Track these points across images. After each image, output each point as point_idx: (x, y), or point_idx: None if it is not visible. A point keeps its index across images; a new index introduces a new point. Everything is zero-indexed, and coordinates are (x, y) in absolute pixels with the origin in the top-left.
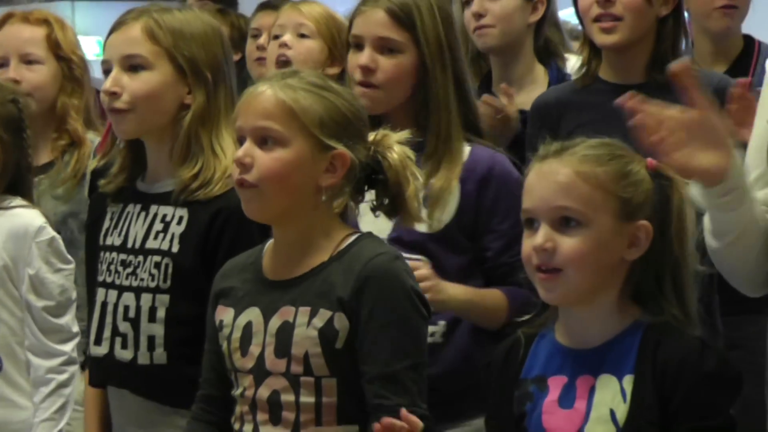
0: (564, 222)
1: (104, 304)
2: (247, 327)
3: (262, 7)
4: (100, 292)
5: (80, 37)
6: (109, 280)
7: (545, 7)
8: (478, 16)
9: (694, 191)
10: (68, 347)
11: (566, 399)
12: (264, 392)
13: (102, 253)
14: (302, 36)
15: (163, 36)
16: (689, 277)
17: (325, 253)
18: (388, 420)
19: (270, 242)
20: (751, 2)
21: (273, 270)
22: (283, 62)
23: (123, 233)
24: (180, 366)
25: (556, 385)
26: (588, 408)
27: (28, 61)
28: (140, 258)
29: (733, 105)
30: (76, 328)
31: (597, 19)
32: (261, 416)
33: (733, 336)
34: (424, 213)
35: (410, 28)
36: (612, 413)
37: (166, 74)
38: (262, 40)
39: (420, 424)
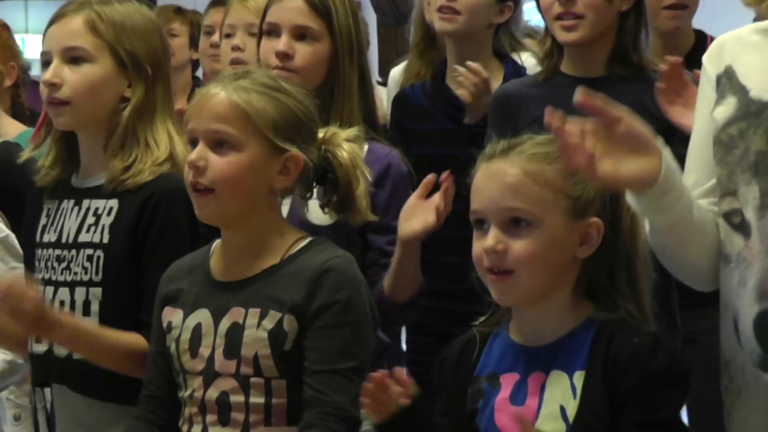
0: (514, 223)
1: None
2: (197, 329)
3: (213, 4)
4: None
5: (33, 36)
6: (46, 276)
7: (512, 12)
8: None
9: (629, 199)
10: None
11: (518, 396)
12: (213, 393)
13: (39, 251)
14: (253, 35)
15: (104, 29)
16: (643, 272)
17: (276, 255)
18: (379, 375)
19: (217, 243)
20: None
21: (222, 271)
22: (238, 65)
23: (58, 229)
24: None
25: (508, 382)
26: (539, 404)
27: None
28: (73, 252)
29: (662, 84)
30: None
31: (559, 17)
32: (210, 417)
33: (689, 330)
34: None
35: (326, 17)
36: (562, 409)
37: (107, 67)
38: (215, 37)
39: (413, 386)
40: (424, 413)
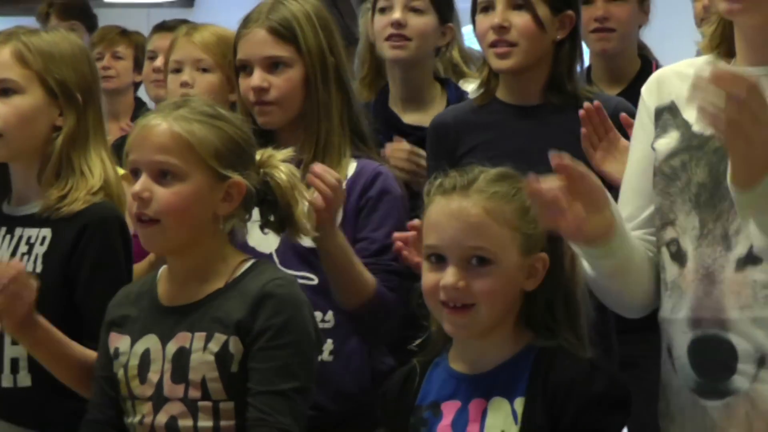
0: (474, 260)
1: None
2: (145, 354)
3: (157, 29)
4: None
5: None
6: None
7: (452, 34)
8: (398, 25)
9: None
10: None
11: (459, 423)
12: (162, 418)
13: None
14: (201, 70)
15: (33, 59)
16: (580, 303)
17: (221, 280)
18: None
19: (164, 269)
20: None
21: (169, 297)
22: None
23: None
24: (45, 388)
25: (449, 410)
26: (481, 431)
27: None
28: None
29: (584, 129)
30: None
31: (493, 45)
32: None
33: (628, 353)
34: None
35: (293, 41)
36: None
37: (37, 98)
38: (159, 62)
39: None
40: None
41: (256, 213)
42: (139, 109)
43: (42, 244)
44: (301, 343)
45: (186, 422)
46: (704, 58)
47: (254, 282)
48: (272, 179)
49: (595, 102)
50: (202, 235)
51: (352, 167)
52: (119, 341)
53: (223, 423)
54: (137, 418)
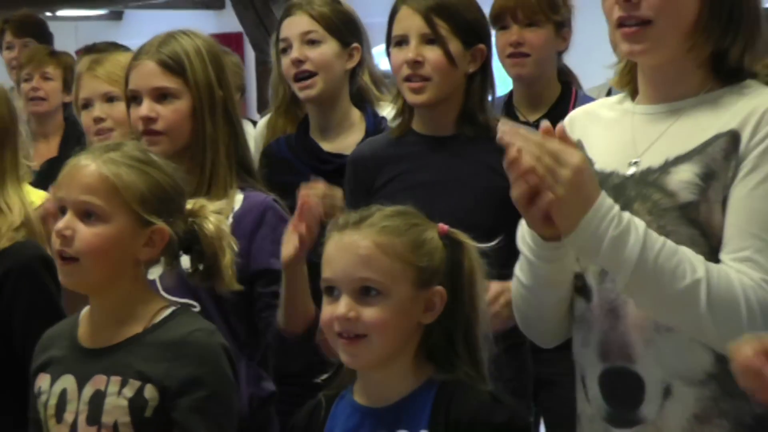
0: (365, 291)
1: None
2: (63, 394)
3: (86, 52)
4: None
5: None
6: None
7: (360, 53)
8: (298, 62)
9: (525, 236)
10: None
11: None
12: None
13: None
14: (110, 100)
15: None
16: (480, 336)
17: (139, 324)
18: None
19: (86, 310)
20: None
21: (89, 338)
22: (103, 134)
23: None
24: None
25: None
26: None
27: None
28: None
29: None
30: None
31: (408, 79)
32: None
33: (548, 372)
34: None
35: (181, 74)
36: None
37: None
38: None
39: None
40: None
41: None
42: (70, 129)
43: None
44: (222, 394)
45: None
46: (617, 98)
47: (173, 331)
48: (200, 229)
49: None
50: (121, 277)
51: (238, 199)
52: (42, 381)
53: None
54: None
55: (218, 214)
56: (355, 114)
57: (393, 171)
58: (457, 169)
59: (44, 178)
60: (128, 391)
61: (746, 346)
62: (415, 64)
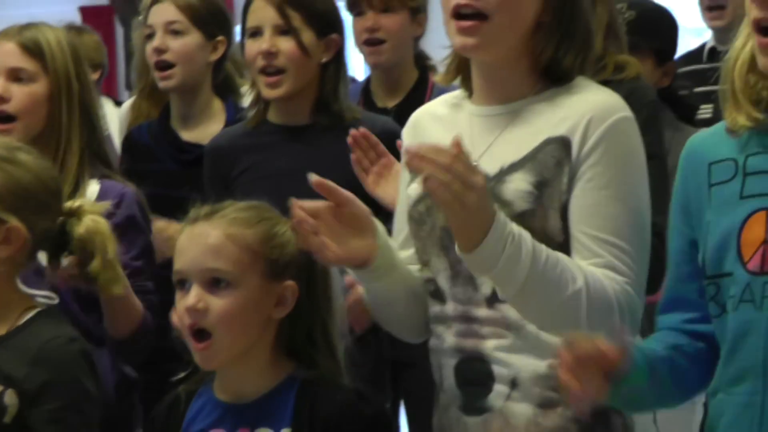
0: (214, 282)
1: None
2: None
3: None
4: None
5: None
6: None
7: (225, 46)
8: (159, 51)
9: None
10: None
11: None
12: None
13: None
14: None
15: None
16: (337, 332)
17: (3, 326)
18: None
19: None
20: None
21: None
22: None
23: None
24: None
25: None
26: None
27: None
28: None
29: (354, 154)
30: None
31: (263, 70)
32: None
33: (408, 354)
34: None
35: (39, 57)
36: None
37: None
38: None
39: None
40: None
41: None
42: None
43: None
44: (80, 403)
45: None
46: (456, 93)
47: (33, 338)
48: (71, 230)
49: (361, 129)
50: None
51: (94, 189)
52: None
53: None
54: None
55: (96, 215)
56: (217, 104)
57: (249, 161)
58: (311, 159)
59: None
60: None
61: (569, 350)
62: (269, 54)
